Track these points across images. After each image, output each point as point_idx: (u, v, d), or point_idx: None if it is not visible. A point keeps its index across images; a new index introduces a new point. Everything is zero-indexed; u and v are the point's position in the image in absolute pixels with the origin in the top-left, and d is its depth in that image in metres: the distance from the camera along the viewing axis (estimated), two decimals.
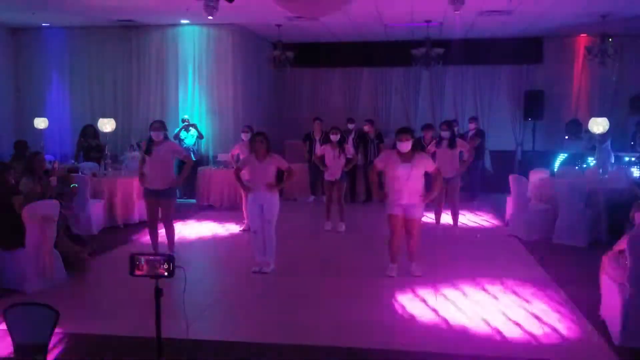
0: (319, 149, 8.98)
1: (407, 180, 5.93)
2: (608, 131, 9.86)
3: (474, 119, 11.77)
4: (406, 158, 5.98)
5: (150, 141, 6.86)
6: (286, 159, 12.43)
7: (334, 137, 8.73)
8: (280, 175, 6.50)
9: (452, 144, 8.21)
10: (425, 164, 6.03)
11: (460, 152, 8.35)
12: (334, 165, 8.68)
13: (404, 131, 6.03)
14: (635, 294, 4.33)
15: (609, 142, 10.61)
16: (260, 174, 6.36)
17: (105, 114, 11.28)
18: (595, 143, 9.93)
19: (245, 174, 6.90)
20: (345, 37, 12.87)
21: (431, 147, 8.38)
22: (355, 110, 13.57)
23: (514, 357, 4.24)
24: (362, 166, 11.48)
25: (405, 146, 5.93)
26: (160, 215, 6.95)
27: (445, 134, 8.26)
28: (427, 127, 11.30)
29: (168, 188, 6.85)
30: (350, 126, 11.39)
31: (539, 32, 12.17)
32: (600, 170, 8.83)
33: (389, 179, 6.07)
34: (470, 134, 11.52)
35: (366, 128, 11.32)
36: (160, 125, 6.89)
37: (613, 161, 10.21)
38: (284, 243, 6.83)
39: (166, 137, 7.03)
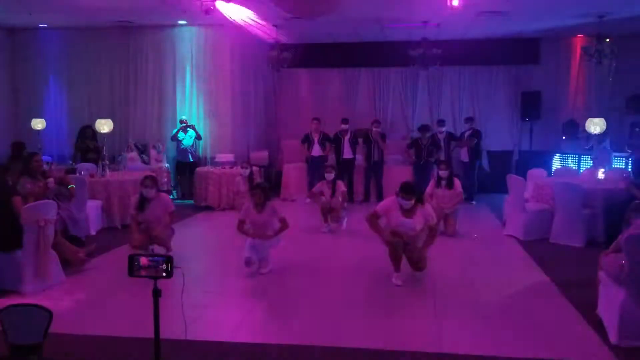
0: (315, 187, 9.08)
1: (409, 231, 5.99)
2: (606, 131, 9.88)
3: (470, 119, 11.82)
4: (408, 212, 5.98)
5: (143, 197, 6.77)
6: (284, 159, 12.64)
7: (329, 176, 8.84)
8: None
9: (450, 184, 8.35)
10: (426, 217, 6.01)
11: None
12: (332, 202, 8.80)
13: (407, 191, 5.90)
14: (631, 294, 4.35)
15: (607, 142, 10.63)
16: (260, 227, 6.51)
17: (102, 115, 11.27)
18: (593, 143, 9.95)
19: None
20: (342, 38, 12.88)
21: (429, 189, 8.47)
22: (352, 111, 13.58)
23: (511, 356, 4.25)
24: (363, 167, 11.52)
25: (408, 205, 5.92)
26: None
27: (444, 173, 8.34)
28: (423, 128, 11.37)
29: (162, 233, 6.84)
30: (345, 127, 11.42)
31: (536, 33, 12.20)
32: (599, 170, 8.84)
33: (391, 225, 6.08)
34: (467, 134, 11.56)
35: (377, 130, 11.34)
36: (153, 182, 6.77)
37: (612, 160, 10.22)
38: (282, 244, 6.82)
39: (157, 192, 6.88)
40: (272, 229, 6.56)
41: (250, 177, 9.07)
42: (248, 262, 6.40)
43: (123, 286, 5.87)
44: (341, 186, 8.95)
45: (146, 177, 6.83)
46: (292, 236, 7.49)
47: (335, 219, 8.82)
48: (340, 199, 8.81)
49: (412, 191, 5.92)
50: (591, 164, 9.44)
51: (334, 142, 11.52)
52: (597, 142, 9.88)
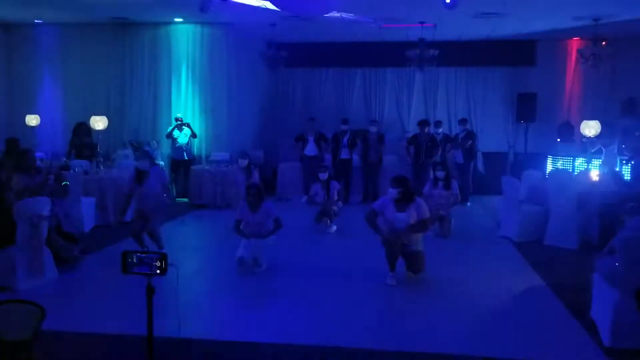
0: (311, 189, 9.12)
1: (404, 227, 6.01)
2: (615, 134, 9.86)
3: (463, 120, 11.80)
4: (402, 207, 6.02)
5: (139, 172, 6.86)
6: (279, 157, 12.61)
7: (322, 176, 8.90)
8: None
9: (447, 186, 8.38)
10: (420, 212, 6.06)
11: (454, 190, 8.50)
12: (327, 204, 8.84)
13: (396, 181, 6.04)
14: (625, 296, 4.36)
15: (615, 146, 10.61)
16: (255, 227, 6.54)
17: (97, 112, 11.22)
18: (600, 146, 9.91)
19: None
20: (339, 37, 12.87)
21: (426, 190, 8.54)
22: (348, 110, 13.59)
23: (504, 357, 4.26)
24: (360, 167, 11.47)
25: (392, 193, 5.99)
26: (146, 228, 6.95)
27: (441, 174, 8.36)
28: (422, 122, 11.30)
29: (158, 209, 6.93)
30: (344, 127, 11.39)
31: (533, 35, 12.23)
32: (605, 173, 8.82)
33: (387, 222, 6.12)
34: (462, 135, 11.55)
35: (373, 129, 11.32)
36: (144, 154, 6.95)
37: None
38: (277, 243, 6.82)
39: (152, 163, 7.05)
40: (267, 229, 6.55)
41: (249, 168, 8.93)
42: (241, 261, 6.40)
43: (117, 283, 5.86)
44: (335, 185, 8.98)
45: (140, 151, 6.92)
46: (286, 236, 7.50)
47: (329, 217, 8.81)
48: (335, 197, 8.82)
49: (400, 182, 6.01)
50: (598, 168, 9.35)
51: (333, 142, 11.49)
52: (604, 146, 9.87)
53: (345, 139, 11.38)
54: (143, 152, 7.08)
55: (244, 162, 8.92)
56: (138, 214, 6.96)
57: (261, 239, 6.48)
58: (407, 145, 11.51)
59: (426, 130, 11.16)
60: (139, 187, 6.86)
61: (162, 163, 11.53)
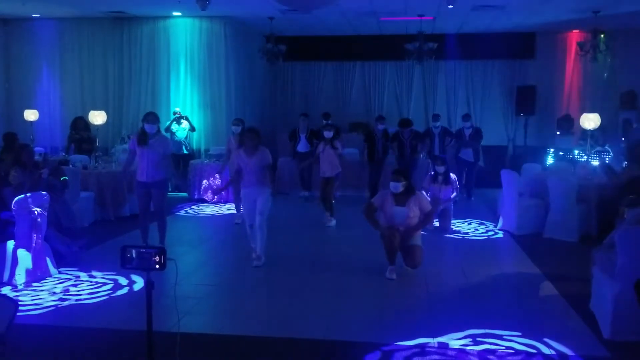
0: (318, 147, 9.01)
1: (403, 220, 6.00)
2: (608, 135, 9.83)
3: (467, 116, 11.48)
4: (401, 200, 6.00)
5: (144, 133, 6.76)
6: (278, 152, 12.58)
7: (328, 134, 8.80)
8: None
9: (446, 181, 8.32)
10: (421, 205, 6.06)
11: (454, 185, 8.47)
12: (324, 161, 8.72)
13: (396, 173, 6.05)
14: (624, 289, 4.36)
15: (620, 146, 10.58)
16: (250, 170, 6.37)
17: (96, 106, 11.21)
18: (600, 149, 9.88)
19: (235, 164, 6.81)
20: (338, 31, 12.85)
21: (426, 184, 8.50)
22: (347, 104, 13.59)
23: (504, 350, 4.26)
24: (366, 163, 11.30)
25: (395, 187, 5.96)
26: (152, 207, 6.93)
27: (441, 169, 8.34)
28: (402, 122, 10.79)
29: (160, 180, 6.83)
30: (381, 127, 10.92)
31: (532, 27, 12.21)
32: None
33: (385, 216, 6.11)
34: (469, 133, 11.18)
35: (380, 126, 11.04)
36: (155, 118, 6.81)
37: None
38: (277, 237, 6.83)
39: (159, 130, 6.98)
40: (263, 177, 6.38)
41: (242, 132, 8.75)
42: (251, 226, 6.39)
43: (116, 279, 5.86)
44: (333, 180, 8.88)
45: (149, 113, 6.87)
46: (285, 229, 7.52)
47: (330, 212, 8.77)
48: (334, 158, 8.75)
49: (403, 174, 6.01)
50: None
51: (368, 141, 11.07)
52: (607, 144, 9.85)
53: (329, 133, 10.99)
54: (153, 115, 6.84)
55: (237, 129, 8.71)
56: (139, 186, 6.84)
57: (257, 189, 6.33)
58: (390, 143, 10.82)
59: (407, 129, 10.42)
60: (144, 147, 6.68)
61: None
